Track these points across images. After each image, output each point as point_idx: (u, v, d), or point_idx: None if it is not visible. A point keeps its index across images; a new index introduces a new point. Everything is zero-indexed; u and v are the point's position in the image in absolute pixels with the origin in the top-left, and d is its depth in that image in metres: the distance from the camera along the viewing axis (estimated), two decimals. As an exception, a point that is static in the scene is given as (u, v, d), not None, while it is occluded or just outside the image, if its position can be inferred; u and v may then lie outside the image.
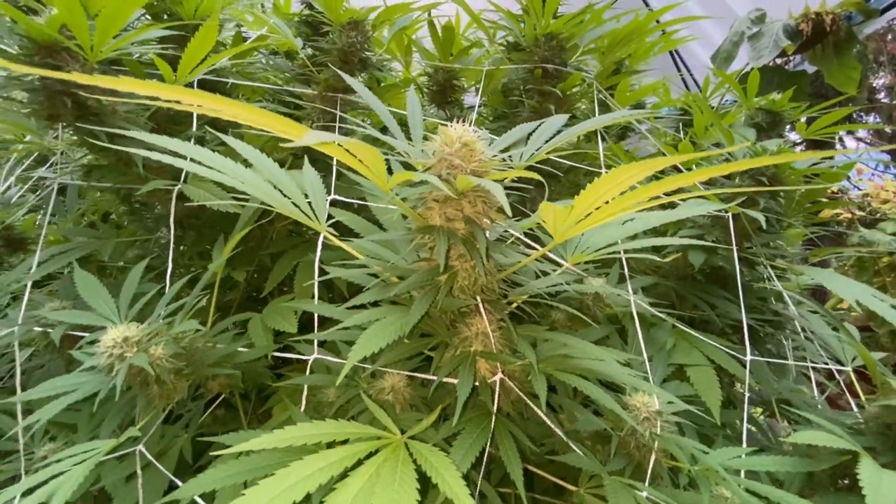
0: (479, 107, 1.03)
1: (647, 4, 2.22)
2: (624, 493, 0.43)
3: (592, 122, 0.46)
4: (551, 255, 0.62)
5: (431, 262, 0.46)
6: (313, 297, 0.72)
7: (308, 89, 0.86)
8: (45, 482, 0.42)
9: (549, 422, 0.47)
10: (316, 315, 0.57)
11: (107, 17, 0.45)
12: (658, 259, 0.67)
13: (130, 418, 0.71)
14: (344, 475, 0.34)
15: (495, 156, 0.42)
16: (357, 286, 0.69)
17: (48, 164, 1.07)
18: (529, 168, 0.44)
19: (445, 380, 0.50)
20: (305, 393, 0.56)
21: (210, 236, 0.88)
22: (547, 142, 0.47)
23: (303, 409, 0.54)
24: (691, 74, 2.23)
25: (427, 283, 0.43)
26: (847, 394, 0.75)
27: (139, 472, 0.58)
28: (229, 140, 0.49)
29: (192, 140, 0.71)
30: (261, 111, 0.28)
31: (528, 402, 0.47)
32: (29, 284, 0.68)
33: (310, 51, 0.83)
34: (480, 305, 0.45)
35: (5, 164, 0.95)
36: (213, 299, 0.59)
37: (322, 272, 0.78)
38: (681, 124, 1.37)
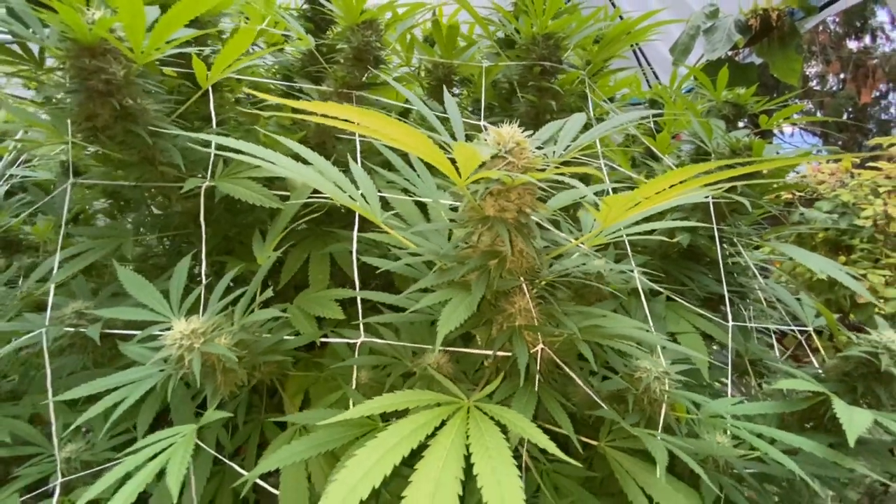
0: (473, 105, 1.08)
1: (612, 3, 2.32)
2: (653, 440, 0.51)
3: (619, 119, 0.53)
4: (561, 237, 0.69)
5: (477, 249, 0.51)
6: (343, 285, 0.76)
7: (310, 83, 0.88)
8: (140, 466, 0.44)
9: (580, 383, 0.54)
10: (359, 300, 0.61)
11: (167, 22, 0.46)
12: (668, 240, 0.76)
13: (163, 413, 0.73)
14: (433, 435, 0.40)
15: (536, 154, 0.48)
16: (372, 272, 0.72)
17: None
18: (564, 163, 0.50)
19: (482, 353, 0.56)
20: (353, 374, 0.60)
21: (219, 233, 0.89)
22: (574, 140, 0.53)
23: (353, 387, 0.58)
24: (650, 66, 2.36)
25: (481, 267, 0.48)
26: (807, 350, 0.87)
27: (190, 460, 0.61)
28: (281, 139, 0.52)
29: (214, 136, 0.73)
30: (423, 137, 0.32)
31: (565, 367, 0.54)
32: (52, 287, 0.67)
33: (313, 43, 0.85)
34: (524, 285, 0.51)
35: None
36: (257, 291, 0.61)
37: (339, 262, 0.81)
38: (651, 115, 1.48)
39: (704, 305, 1.04)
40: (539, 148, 0.54)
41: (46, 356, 0.65)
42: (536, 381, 0.51)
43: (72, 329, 0.66)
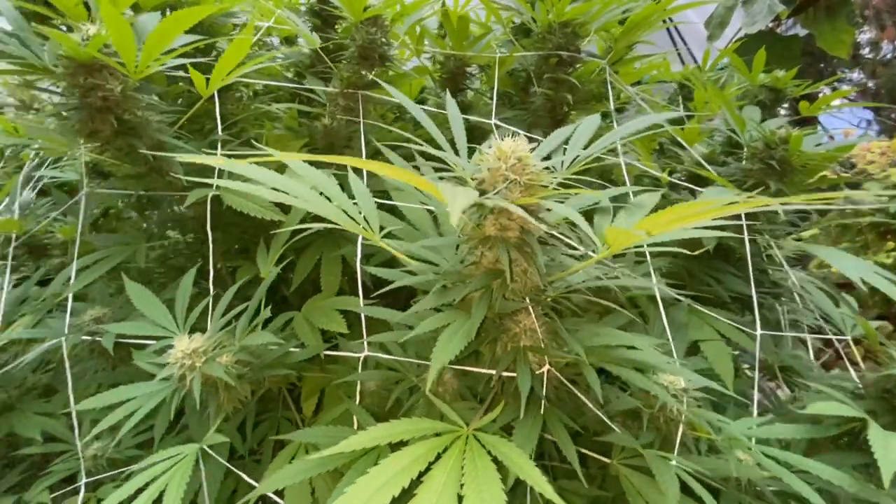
0: (492, 93, 1.04)
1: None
2: (663, 465, 0.48)
3: (639, 121, 0.49)
4: (576, 246, 0.65)
5: (480, 266, 0.49)
6: (346, 293, 0.75)
7: (319, 82, 0.86)
8: (143, 488, 0.45)
9: (591, 405, 0.52)
10: (362, 316, 0.60)
11: (155, 38, 0.45)
12: (687, 252, 0.71)
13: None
14: (427, 469, 0.38)
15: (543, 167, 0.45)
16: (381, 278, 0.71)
17: (46, 164, 1.06)
18: (573, 177, 0.47)
19: (488, 371, 0.54)
20: (356, 387, 0.60)
21: (234, 234, 0.90)
22: (584, 148, 0.49)
23: (357, 401, 0.58)
24: (685, 42, 2.23)
25: (482, 287, 0.46)
26: (845, 359, 0.81)
27: (202, 466, 0.62)
28: (277, 153, 0.50)
29: (220, 144, 0.72)
30: (428, 182, 0.30)
31: (570, 387, 0.51)
32: (70, 296, 0.69)
33: (318, 41, 0.83)
34: (529, 304, 0.48)
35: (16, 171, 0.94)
36: (262, 303, 0.61)
37: (352, 266, 0.80)
38: (680, 97, 1.39)
39: (734, 303, 0.99)
40: (547, 157, 0.51)
41: (67, 364, 0.68)
42: (542, 404, 0.49)
43: (89, 338, 0.68)
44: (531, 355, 0.51)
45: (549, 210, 0.44)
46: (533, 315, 0.49)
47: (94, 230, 1.07)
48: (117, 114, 0.53)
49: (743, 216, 0.81)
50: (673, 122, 1.17)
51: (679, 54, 2.41)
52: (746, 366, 1.06)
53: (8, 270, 0.80)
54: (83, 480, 0.69)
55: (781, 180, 0.77)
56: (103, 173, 1.18)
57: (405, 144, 0.58)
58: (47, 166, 1.06)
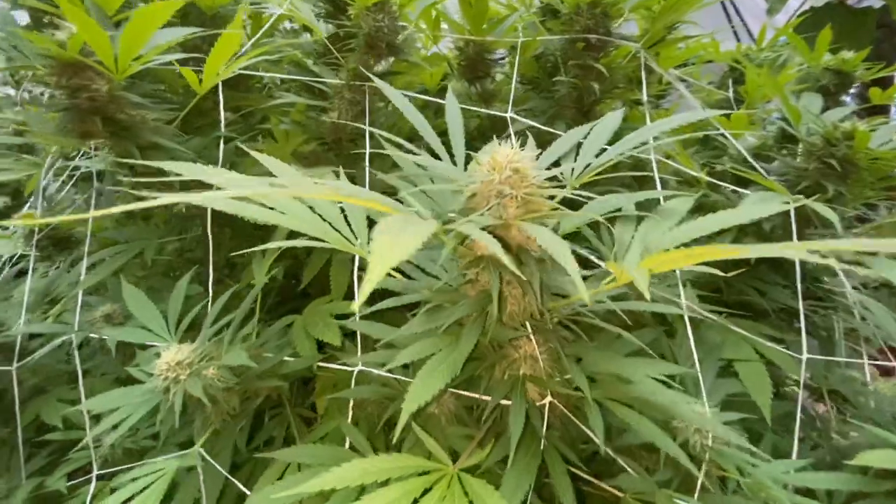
0: (519, 78, 0.96)
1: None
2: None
3: (675, 119, 0.42)
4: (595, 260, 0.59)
5: (477, 284, 0.44)
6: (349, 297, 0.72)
7: (331, 71, 0.82)
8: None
9: (597, 440, 0.46)
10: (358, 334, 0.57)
11: (130, 36, 0.42)
12: (720, 274, 0.64)
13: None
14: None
15: (545, 177, 0.39)
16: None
17: (80, 154, 1.08)
18: (585, 185, 0.41)
19: (484, 397, 0.50)
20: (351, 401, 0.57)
21: (245, 231, 0.88)
22: (597, 155, 0.43)
23: (352, 412, 0.55)
24: (741, 17, 2.03)
25: (475, 310, 0.41)
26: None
27: (200, 471, 0.62)
28: (263, 158, 0.47)
29: (222, 140, 0.70)
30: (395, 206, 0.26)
31: (575, 420, 0.46)
32: (80, 293, 0.70)
33: (330, 27, 0.78)
34: (529, 329, 0.43)
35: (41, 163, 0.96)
36: (257, 309, 0.59)
37: (363, 267, 0.77)
38: (730, 80, 1.26)
39: (781, 312, 0.89)
40: (556, 164, 0.45)
41: (77, 359, 0.69)
42: (542, 442, 0.44)
43: (96, 336, 0.69)
44: (535, 386, 0.46)
45: (551, 224, 0.39)
46: (534, 341, 0.44)
47: (129, 219, 1.09)
48: (107, 114, 0.52)
49: (793, 218, 0.71)
50: (720, 108, 1.06)
51: (734, 30, 2.20)
52: (791, 381, 0.96)
53: (31, 262, 0.82)
54: (95, 472, 0.71)
55: (844, 182, 0.67)
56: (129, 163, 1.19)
57: (410, 142, 0.54)
58: (80, 156, 1.08)
